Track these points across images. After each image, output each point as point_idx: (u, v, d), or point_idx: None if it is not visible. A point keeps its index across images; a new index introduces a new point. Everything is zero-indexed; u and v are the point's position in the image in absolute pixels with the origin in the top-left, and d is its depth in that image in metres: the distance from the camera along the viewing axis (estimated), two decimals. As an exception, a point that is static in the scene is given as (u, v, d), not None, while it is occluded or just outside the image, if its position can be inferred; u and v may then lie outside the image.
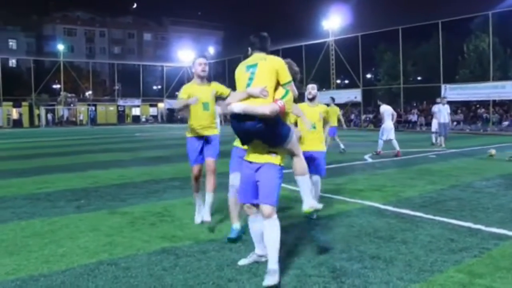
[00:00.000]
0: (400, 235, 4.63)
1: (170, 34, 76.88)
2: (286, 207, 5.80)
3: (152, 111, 54.68)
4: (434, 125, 16.38)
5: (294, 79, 3.66)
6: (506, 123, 28.25)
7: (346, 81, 46.82)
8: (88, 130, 34.31)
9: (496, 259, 3.87)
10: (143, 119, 51.98)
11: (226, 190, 4.47)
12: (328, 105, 10.15)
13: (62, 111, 47.78)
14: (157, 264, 3.85)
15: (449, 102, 16.30)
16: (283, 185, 3.43)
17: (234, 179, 4.24)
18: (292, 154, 3.62)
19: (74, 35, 68.82)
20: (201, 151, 4.97)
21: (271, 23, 51.37)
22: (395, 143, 12.82)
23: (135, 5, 78.03)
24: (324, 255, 4.01)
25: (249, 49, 3.63)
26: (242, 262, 3.80)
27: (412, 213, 5.60)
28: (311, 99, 5.50)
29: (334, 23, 35.14)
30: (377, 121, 29.25)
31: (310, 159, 4.96)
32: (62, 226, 5.15)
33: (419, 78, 42.27)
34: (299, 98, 4.06)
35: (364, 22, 37.10)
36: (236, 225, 4.47)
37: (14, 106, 44.66)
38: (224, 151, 5.24)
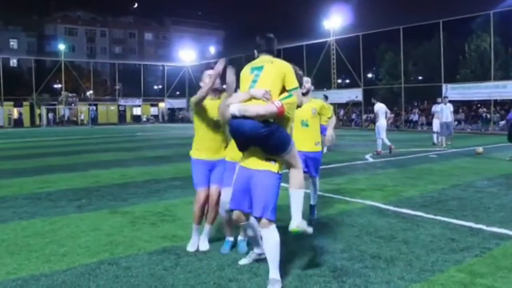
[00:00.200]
0: (401, 234, 4.63)
1: (171, 33, 76.95)
2: (286, 207, 5.78)
3: (153, 110, 54.58)
4: (435, 125, 16.36)
5: (299, 84, 3.49)
6: (502, 122, 28.12)
7: (347, 81, 46.87)
8: (89, 130, 34.32)
9: (497, 259, 3.86)
10: (144, 119, 51.96)
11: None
12: None
13: (63, 110, 47.76)
14: (158, 263, 3.85)
15: (450, 102, 16.24)
16: (282, 184, 3.39)
17: (226, 195, 3.90)
18: (290, 166, 3.38)
19: (75, 35, 68.90)
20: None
21: (272, 22, 51.52)
22: (385, 141, 13.00)
23: (136, 5, 78.20)
24: (325, 254, 4.01)
25: (255, 51, 3.49)
26: (243, 261, 3.80)
27: (413, 212, 5.59)
28: (305, 94, 4.79)
29: (335, 22, 35.07)
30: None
31: (303, 161, 4.40)
32: (63, 225, 5.16)
33: (420, 77, 42.16)
34: None
35: (365, 21, 37.20)
36: (231, 238, 4.29)
37: (15, 106, 44.60)
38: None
